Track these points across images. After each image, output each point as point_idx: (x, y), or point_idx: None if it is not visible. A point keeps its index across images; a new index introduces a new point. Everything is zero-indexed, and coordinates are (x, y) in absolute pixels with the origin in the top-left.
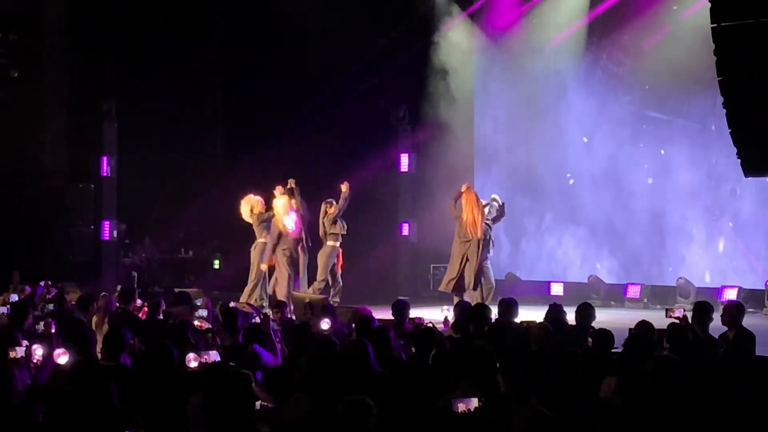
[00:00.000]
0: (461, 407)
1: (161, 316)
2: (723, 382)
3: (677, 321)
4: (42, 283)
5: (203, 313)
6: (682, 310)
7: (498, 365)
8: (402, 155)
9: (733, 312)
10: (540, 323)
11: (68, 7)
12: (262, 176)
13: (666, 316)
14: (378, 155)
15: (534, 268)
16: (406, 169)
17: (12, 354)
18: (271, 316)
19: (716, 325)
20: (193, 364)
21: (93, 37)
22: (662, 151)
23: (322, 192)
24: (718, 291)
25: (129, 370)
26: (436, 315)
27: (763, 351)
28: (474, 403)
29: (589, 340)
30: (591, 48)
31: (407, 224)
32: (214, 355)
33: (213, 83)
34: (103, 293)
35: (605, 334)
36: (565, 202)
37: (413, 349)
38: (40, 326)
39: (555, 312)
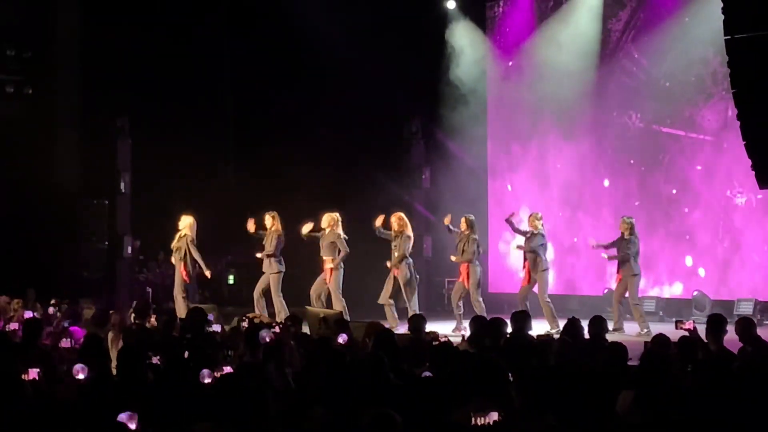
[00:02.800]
0: (481, 421)
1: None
2: (738, 395)
3: (687, 333)
4: (51, 309)
5: (216, 328)
6: (692, 322)
7: (512, 379)
8: (417, 170)
9: (743, 325)
10: (561, 338)
11: (81, 25)
12: (275, 193)
13: (676, 328)
14: (392, 170)
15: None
16: (422, 185)
17: (24, 376)
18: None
19: (735, 338)
20: (207, 380)
21: (106, 55)
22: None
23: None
24: (734, 304)
25: (143, 386)
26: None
27: None
28: (494, 416)
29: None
30: (605, 61)
31: (422, 239)
32: (228, 370)
33: (225, 100)
34: (112, 311)
35: (619, 348)
36: (574, 216)
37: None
38: (66, 342)
39: (573, 326)
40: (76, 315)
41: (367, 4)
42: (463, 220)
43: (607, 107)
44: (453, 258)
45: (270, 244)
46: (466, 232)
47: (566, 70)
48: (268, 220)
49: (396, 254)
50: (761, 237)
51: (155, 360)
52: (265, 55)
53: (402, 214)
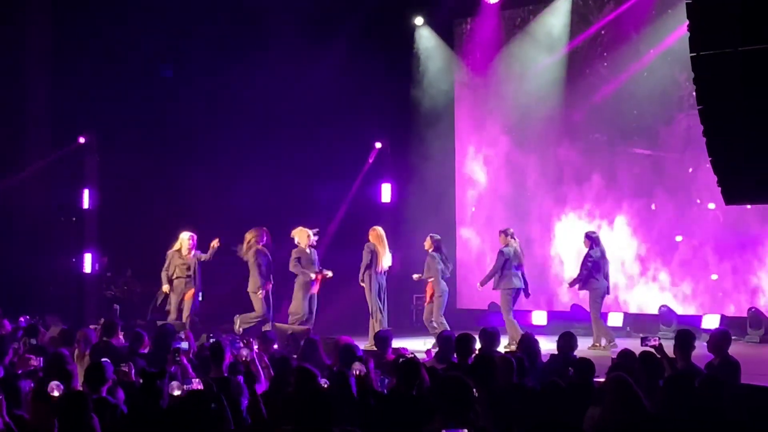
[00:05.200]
0: None
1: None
2: (702, 410)
3: (651, 350)
4: (22, 319)
5: (185, 345)
6: (657, 338)
7: (477, 397)
8: (383, 185)
9: (719, 340)
10: (506, 355)
11: (50, 42)
12: (243, 211)
13: (641, 344)
14: (358, 186)
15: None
16: (388, 200)
17: None
18: (256, 348)
19: (702, 353)
20: (177, 392)
21: (74, 72)
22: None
23: (303, 224)
24: (700, 319)
25: (110, 403)
26: (419, 345)
27: (747, 379)
28: None
29: (570, 369)
30: (571, 79)
31: None
32: (197, 384)
33: (194, 114)
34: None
35: (586, 363)
36: (546, 229)
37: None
38: (35, 361)
39: (528, 342)
40: (35, 331)
41: (335, 20)
42: (428, 238)
43: (576, 123)
44: (415, 276)
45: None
46: (431, 251)
47: (534, 85)
48: (247, 236)
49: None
50: (725, 251)
51: (124, 368)
52: (230, 71)
53: (378, 228)
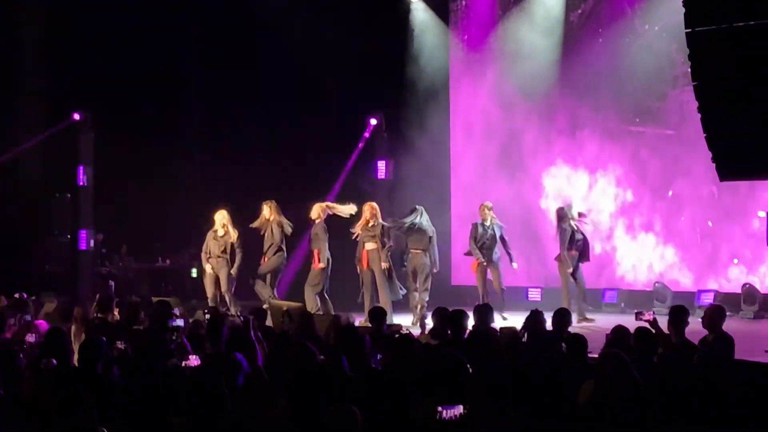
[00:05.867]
0: (447, 414)
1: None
2: (699, 385)
3: (646, 324)
4: (17, 295)
5: (180, 322)
6: (652, 312)
7: (472, 373)
8: (379, 162)
9: (713, 316)
10: (511, 331)
11: (45, 19)
12: (239, 187)
13: (636, 319)
14: (355, 162)
15: (512, 273)
16: (383, 176)
17: None
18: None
19: (696, 329)
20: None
21: (69, 48)
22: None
23: (299, 201)
24: (695, 295)
25: (104, 380)
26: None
27: (741, 355)
28: (460, 409)
29: (563, 345)
30: (567, 54)
31: None
32: (194, 360)
33: (188, 93)
34: (75, 304)
35: (577, 339)
36: (537, 209)
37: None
38: (30, 337)
39: (534, 319)
40: (26, 307)
41: None
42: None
43: (571, 99)
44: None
45: (275, 235)
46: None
47: (529, 62)
48: (266, 209)
49: (376, 244)
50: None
51: (120, 345)
52: (228, 49)
53: (374, 204)
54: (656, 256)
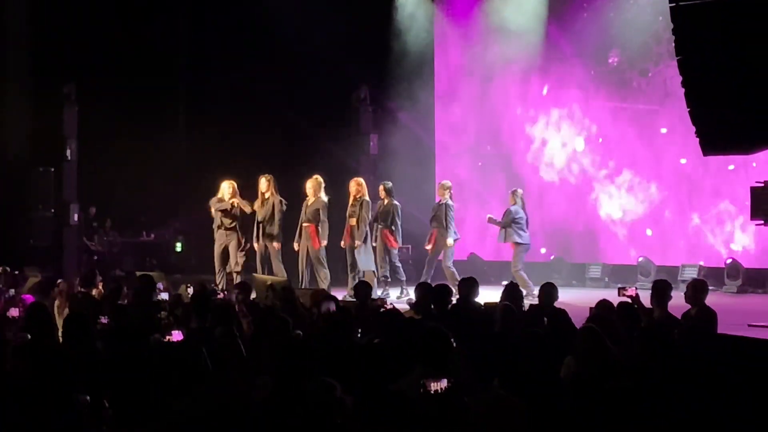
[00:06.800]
0: (433, 387)
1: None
2: (682, 359)
3: (629, 300)
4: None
5: (164, 296)
6: (635, 288)
7: (456, 347)
8: (365, 136)
9: (696, 289)
10: (504, 303)
11: None
12: (224, 161)
13: (618, 294)
14: (340, 136)
15: (501, 248)
16: (372, 152)
17: None
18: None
19: (679, 303)
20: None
21: (54, 21)
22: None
23: (286, 178)
24: (678, 269)
25: (89, 355)
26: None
27: (724, 329)
28: (444, 383)
29: (545, 319)
30: (551, 28)
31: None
32: (177, 335)
33: (174, 66)
34: (59, 279)
35: (558, 313)
36: (532, 183)
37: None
38: (13, 311)
39: (511, 291)
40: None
41: None
42: (381, 187)
43: (555, 72)
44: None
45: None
46: (386, 200)
47: (515, 35)
48: (264, 184)
49: (356, 220)
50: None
51: (103, 320)
52: (214, 24)
53: (361, 179)
54: (641, 230)
